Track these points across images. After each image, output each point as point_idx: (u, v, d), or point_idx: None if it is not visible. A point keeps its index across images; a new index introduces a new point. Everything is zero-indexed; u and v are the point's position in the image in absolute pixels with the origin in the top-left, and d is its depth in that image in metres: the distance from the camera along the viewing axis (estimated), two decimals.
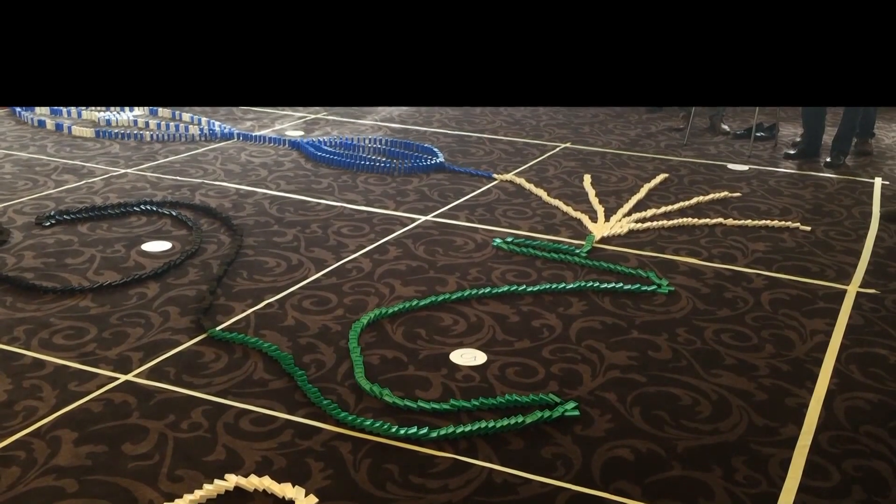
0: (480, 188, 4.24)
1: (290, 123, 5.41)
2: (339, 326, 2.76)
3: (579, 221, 3.81)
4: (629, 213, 3.93)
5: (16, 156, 4.48)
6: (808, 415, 2.37)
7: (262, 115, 5.63)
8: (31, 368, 2.44)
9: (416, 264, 3.28)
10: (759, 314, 2.96)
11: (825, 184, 4.53)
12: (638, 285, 3.13)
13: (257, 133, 5.09)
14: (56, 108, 5.41)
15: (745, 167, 4.79)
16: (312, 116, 5.63)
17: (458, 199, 4.06)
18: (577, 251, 3.43)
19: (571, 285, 3.10)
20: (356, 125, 5.44)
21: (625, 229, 3.70)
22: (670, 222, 3.80)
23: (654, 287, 3.12)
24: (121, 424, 2.20)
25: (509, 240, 3.52)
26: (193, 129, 5.04)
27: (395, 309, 2.87)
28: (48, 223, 3.52)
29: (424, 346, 2.66)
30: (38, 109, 5.40)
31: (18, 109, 5.35)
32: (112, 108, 5.49)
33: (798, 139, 5.18)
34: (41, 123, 5.10)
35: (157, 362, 2.50)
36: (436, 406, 2.31)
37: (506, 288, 3.05)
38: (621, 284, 3.12)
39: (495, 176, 4.42)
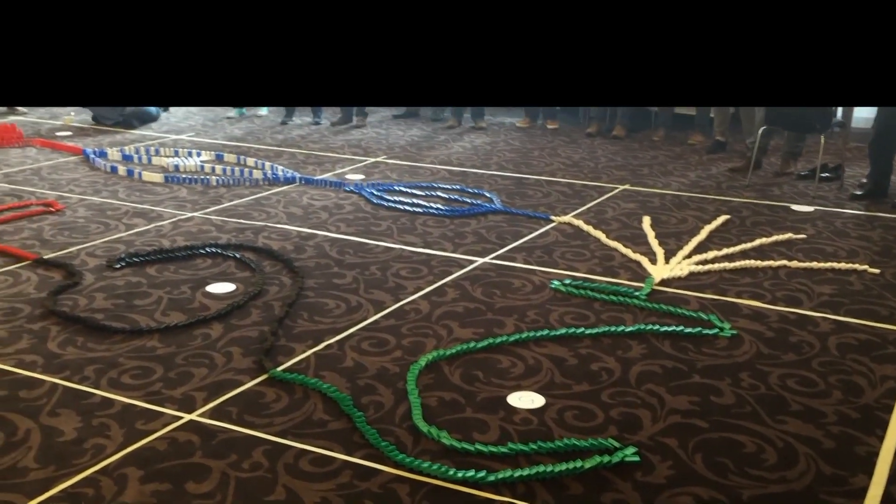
0: (538, 230, 4.24)
1: (350, 167, 5.52)
2: (398, 368, 2.78)
3: (638, 263, 3.78)
4: (689, 255, 3.89)
5: (89, 200, 4.66)
6: (879, 464, 2.29)
7: (324, 158, 5.75)
8: (100, 407, 2.52)
9: (474, 306, 3.29)
10: (826, 359, 2.88)
11: (894, 225, 4.41)
12: (699, 328, 3.08)
13: (319, 177, 5.20)
14: (127, 154, 5.62)
15: (811, 208, 4.70)
16: (372, 160, 5.73)
17: (516, 241, 4.08)
18: (637, 293, 3.39)
19: (631, 328, 3.07)
20: (414, 168, 5.52)
21: (685, 271, 3.66)
22: (732, 264, 3.74)
23: (715, 330, 3.07)
24: (185, 463, 2.24)
25: (567, 282, 3.51)
26: (257, 174, 5.18)
27: (453, 351, 2.88)
28: (118, 265, 3.64)
29: (482, 388, 2.66)
30: (110, 155, 5.61)
31: (92, 156, 5.57)
32: (180, 154, 5.68)
33: (865, 179, 5.07)
34: (113, 169, 5.30)
35: (220, 402, 2.55)
36: (493, 449, 2.30)
37: (564, 330, 3.04)
38: (682, 327, 3.08)
39: (553, 218, 4.42)
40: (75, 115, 7.11)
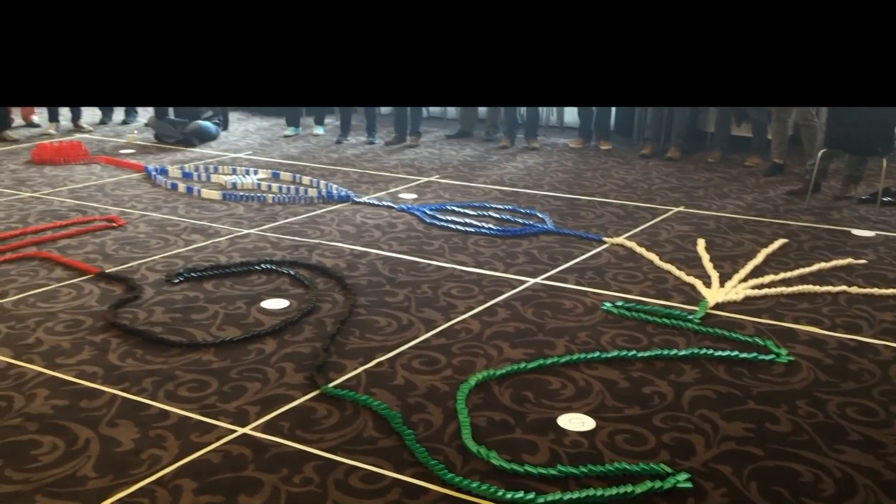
0: (590, 251, 4.22)
1: (403, 186, 5.57)
2: (448, 387, 2.78)
3: (692, 287, 3.73)
4: (745, 279, 3.82)
5: (150, 216, 4.78)
6: None
7: (377, 177, 5.81)
8: (156, 418, 2.57)
9: (525, 327, 3.28)
10: (887, 388, 2.80)
11: None
12: (755, 354, 3.02)
13: (372, 196, 5.26)
14: (187, 171, 5.76)
15: (872, 233, 4.59)
16: (425, 179, 5.77)
17: (568, 262, 4.06)
18: (691, 317, 3.35)
19: (684, 352, 3.03)
20: (467, 188, 5.54)
21: (741, 296, 3.60)
22: (790, 289, 3.67)
23: (772, 356, 3.01)
24: (238, 476, 2.28)
25: (619, 304, 3.48)
26: (312, 192, 5.26)
27: (503, 371, 2.87)
28: (177, 280, 3.72)
29: (532, 409, 2.65)
30: (171, 173, 5.76)
31: (154, 173, 5.72)
32: (238, 172, 5.80)
33: None
34: (174, 186, 5.44)
35: (273, 416, 2.59)
36: (543, 471, 2.29)
37: (615, 353, 3.01)
38: (737, 352, 3.03)
39: (605, 239, 4.40)
40: (138, 134, 7.32)
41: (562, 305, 3.50)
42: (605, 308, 3.45)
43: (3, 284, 3.66)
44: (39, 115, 7.83)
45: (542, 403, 2.68)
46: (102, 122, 7.91)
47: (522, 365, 2.91)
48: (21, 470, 2.29)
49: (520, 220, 4.74)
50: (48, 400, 2.67)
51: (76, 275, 3.81)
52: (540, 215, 4.83)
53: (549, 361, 2.95)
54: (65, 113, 7.66)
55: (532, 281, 3.79)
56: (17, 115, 7.60)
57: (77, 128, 7.51)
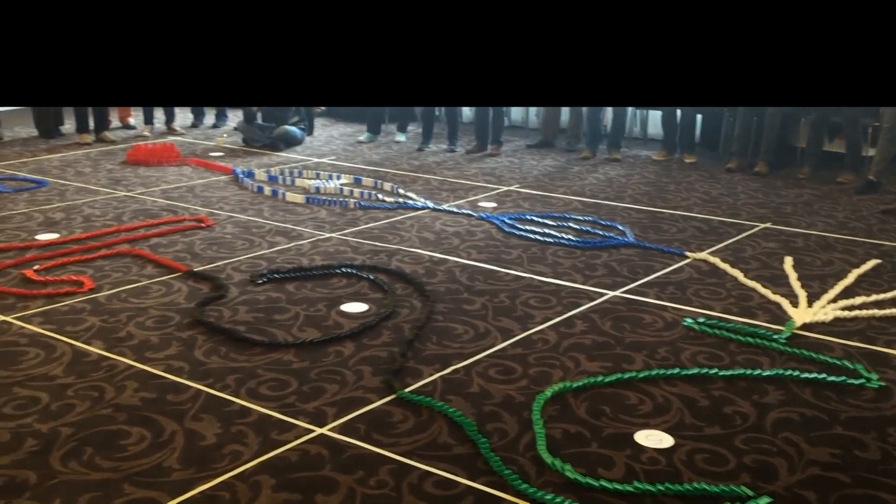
0: (672, 266, 4.15)
1: (483, 195, 5.58)
2: (523, 397, 2.77)
3: (778, 306, 3.63)
4: (835, 300, 3.69)
5: (237, 218, 4.92)
6: None
7: (457, 185, 5.84)
8: (238, 415, 2.64)
9: (603, 340, 3.24)
10: None
11: None
12: (843, 377, 2.92)
13: (451, 204, 5.29)
14: (273, 175, 5.90)
15: None
16: (505, 189, 5.78)
17: (648, 275, 4.00)
18: (776, 337, 3.25)
19: (768, 372, 2.95)
20: (547, 198, 5.52)
21: (829, 316, 3.48)
22: (883, 312, 3.52)
23: (861, 380, 2.90)
24: (314, 476, 2.32)
25: (701, 320, 3.41)
26: (391, 198, 5.32)
27: (580, 383, 2.85)
28: (261, 281, 3.82)
29: (608, 423, 2.62)
30: (257, 176, 5.92)
31: (241, 176, 5.89)
32: (321, 177, 5.92)
33: None
34: (259, 189, 5.58)
35: (350, 418, 2.63)
36: (618, 486, 2.26)
37: (696, 370, 2.95)
38: (824, 375, 2.93)
39: (688, 254, 4.31)
40: (227, 137, 7.54)
41: (641, 319, 3.45)
42: (686, 324, 3.39)
43: (98, 279, 3.82)
44: (135, 117, 8.15)
45: (618, 418, 2.65)
46: (194, 126, 8.18)
47: (599, 378, 2.88)
48: (110, 458, 2.38)
49: (600, 232, 4.69)
50: (137, 392, 2.77)
51: (166, 272, 3.94)
52: (620, 227, 4.77)
53: (626, 376, 2.91)
54: (159, 116, 7.95)
55: (611, 294, 3.75)
56: (114, 116, 7.93)
57: (170, 130, 7.79)
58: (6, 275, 3.87)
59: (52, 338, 3.18)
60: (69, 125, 7.63)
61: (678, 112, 6.90)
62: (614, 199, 5.51)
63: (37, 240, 4.42)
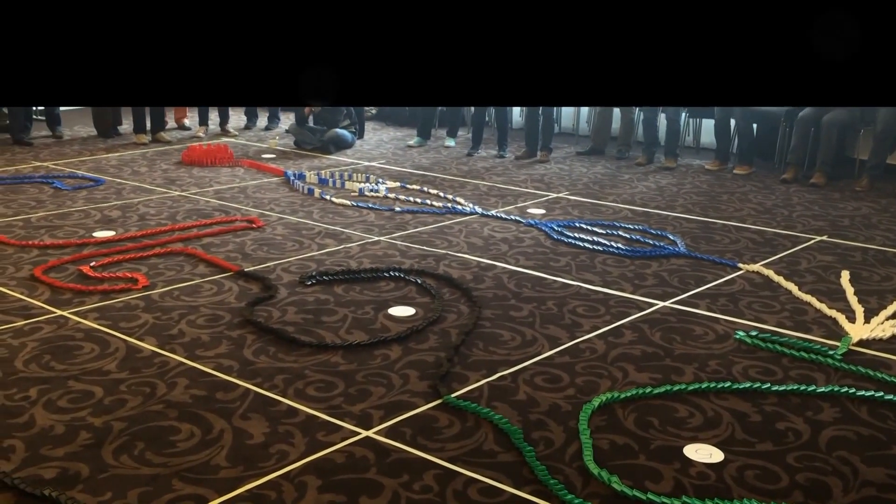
0: (724, 277, 4.08)
1: (532, 202, 5.56)
2: (570, 406, 2.75)
3: (834, 321, 3.54)
4: (893, 316, 3.59)
5: (287, 219, 4.98)
6: None
7: (506, 191, 5.83)
8: (286, 415, 2.66)
9: (652, 350, 3.20)
10: None
11: None
12: None
13: (500, 210, 5.28)
14: (323, 178, 5.96)
15: None
16: (554, 195, 5.74)
17: (699, 286, 3.94)
18: (831, 353, 3.18)
19: (822, 389, 2.88)
20: (596, 206, 5.47)
21: (888, 333, 3.38)
22: None
23: None
24: (360, 478, 2.33)
25: (753, 333, 3.34)
26: (440, 203, 5.33)
27: (628, 394, 2.81)
28: (309, 282, 3.85)
29: (657, 435, 2.58)
30: (308, 178, 5.98)
31: (292, 178, 5.95)
32: (370, 180, 5.95)
33: None
34: (310, 191, 5.64)
35: (396, 422, 2.63)
36: (666, 500, 2.22)
37: (748, 384, 2.89)
38: (882, 393, 2.85)
39: (741, 265, 4.23)
40: (279, 139, 7.63)
41: (691, 331, 3.40)
42: (737, 337, 3.32)
43: (152, 277, 3.89)
44: (190, 118, 8.30)
45: (667, 431, 2.61)
46: (247, 128, 8.30)
47: (648, 389, 2.84)
48: (160, 454, 2.42)
49: (650, 241, 4.63)
50: (187, 389, 2.81)
51: (217, 272, 4.00)
52: (671, 237, 4.70)
53: (676, 388, 2.86)
54: (213, 117, 8.08)
55: (661, 304, 3.70)
56: (170, 118, 8.09)
57: (224, 132, 7.92)
58: (64, 270, 3.96)
59: (107, 333, 3.25)
60: (126, 125, 7.80)
61: (732, 121, 6.80)
62: (665, 209, 5.44)
63: (94, 237, 4.52)
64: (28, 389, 2.78)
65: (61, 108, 7.82)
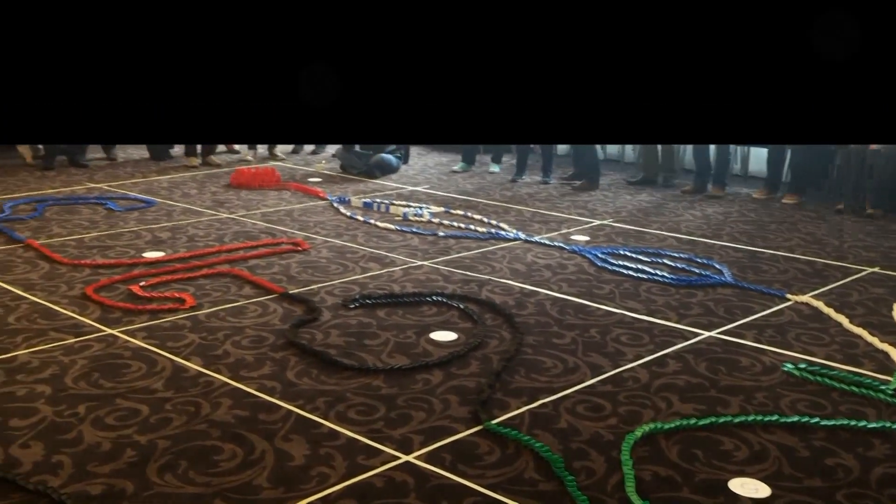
0: (771, 308, 4.00)
1: (575, 228, 5.54)
2: (612, 436, 2.72)
3: (886, 354, 3.45)
4: None
5: (332, 243, 5.03)
6: None
7: (550, 217, 5.81)
8: (327, 437, 2.68)
9: (697, 381, 3.15)
10: None
11: None
12: None
13: (543, 236, 5.27)
14: (368, 202, 6.01)
15: None
16: (598, 222, 5.71)
17: (746, 317, 3.87)
18: (883, 387, 3.09)
19: (874, 424, 2.80)
20: (641, 233, 5.43)
21: None
22: None
23: None
24: (399, 503, 2.32)
25: (802, 366, 3.27)
26: (484, 229, 5.34)
27: (672, 425, 2.77)
28: (353, 305, 3.88)
29: (701, 468, 2.53)
30: (353, 202, 6.04)
31: (337, 202, 6.02)
32: (412, 205, 5.99)
33: None
34: (355, 215, 5.69)
35: (436, 447, 2.63)
36: None
37: (796, 418, 2.83)
38: None
39: (789, 296, 4.16)
40: (325, 163, 7.73)
41: (738, 362, 3.34)
42: (785, 369, 3.26)
43: (199, 297, 3.96)
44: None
45: (712, 464, 2.56)
46: (294, 151, 8.42)
47: (693, 421, 2.80)
48: (203, 473, 2.45)
49: (696, 270, 4.58)
50: (231, 409, 2.85)
51: (263, 293, 4.05)
52: (718, 266, 4.64)
53: (721, 420, 2.81)
54: None
55: (706, 334, 3.65)
56: None
57: (272, 155, 8.05)
58: (114, 290, 4.05)
59: (154, 352, 3.31)
60: (178, 148, 7.97)
61: (788, 150, 6.70)
62: (711, 237, 5.37)
63: (144, 257, 4.62)
64: (77, 406, 2.84)
65: None
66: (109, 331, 3.52)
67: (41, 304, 3.82)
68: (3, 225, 5.20)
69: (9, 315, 3.67)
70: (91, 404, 2.85)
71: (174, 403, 2.88)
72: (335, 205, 6.01)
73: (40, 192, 6.27)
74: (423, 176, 7.35)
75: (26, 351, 3.29)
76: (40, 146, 7.42)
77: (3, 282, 4.12)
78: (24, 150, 7.47)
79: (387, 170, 7.33)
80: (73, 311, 3.73)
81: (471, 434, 2.72)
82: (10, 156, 7.47)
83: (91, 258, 4.56)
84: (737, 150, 7.54)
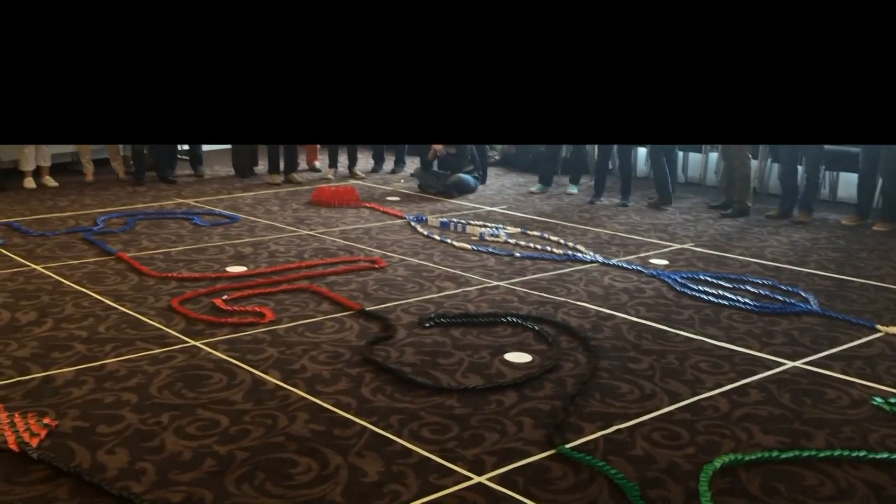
0: (860, 339, 3.85)
1: (654, 252, 5.45)
2: (690, 466, 2.65)
3: None
4: None
5: (408, 261, 5.07)
6: None
7: (628, 241, 5.74)
8: (400, 455, 2.69)
9: (779, 412, 3.05)
10: None
11: None
12: None
13: (621, 259, 5.20)
14: (445, 221, 6.05)
15: None
16: (678, 247, 5.61)
17: (833, 347, 3.73)
18: None
19: None
20: (722, 258, 5.30)
21: None
22: None
23: None
24: None
25: (893, 401, 3.14)
26: (561, 250, 5.31)
27: (753, 457, 2.69)
28: (428, 324, 3.90)
29: (783, 503, 2.45)
30: (430, 222, 6.08)
31: (414, 221, 6.08)
32: (489, 225, 6.00)
33: None
34: (431, 235, 5.74)
35: (508, 469, 2.61)
36: None
37: (886, 454, 2.71)
38: None
39: (879, 327, 3.99)
40: (404, 183, 7.82)
41: (823, 394, 3.22)
42: (875, 403, 3.13)
43: (279, 312, 4.04)
44: (321, 160, 8.64)
45: (795, 499, 2.47)
46: (374, 171, 8.55)
47: (775, 453, 2.71)
48: (279, 485, 2.49)
49: (780, 298, 4.44)
50: (307, 423, 2.89)
51: (340, 309, 4.11)
52: (803, 294, 4.50)
53: (805, 453, 2.71)
54: (342, 160, 8.38)
55: (790, 364, 3.53)
56: (302, 159, 8.44)
57: (352, 174, 8.19)
58: (198, 302, 4.17)
59: (235, 365, 3.39)
60: (262, 166, 8.19)
61: (879, 175, 6.46)
62: (797, 264, 5.21)
63: (227, 271, 4.75)
64: (161, 415, 2.93)
65: (204, 149, 8.30)
66: (193, 342, 3.63)
67: (130, 314, 3.97)
68: (96, 238, 5.43)
69: (99, 324, 3.82)
70: (174, 413, 2.94)
71: (253, 415, 2.94)
72: (412, 224, 6.07)
73: (131, 206, 6.52)
74: (500, 196, 7.36)
75: (115, 360, 3.42)
76: (132, 162, 7.74)
77: (94, 292, 4.30)
78: (117, 165, 7.80)
79: (464, 189, 7.36)
80: (160, 323, 3.86)
81: (544, 458, 2.69)
82: (105, 171, 7.81)
83: (177, 271, 4.71)
84: (825, 175, 7.31)
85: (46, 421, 2.82)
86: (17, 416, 2.85)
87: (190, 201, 6.80)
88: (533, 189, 7.60)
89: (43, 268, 4.73)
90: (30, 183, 7.20)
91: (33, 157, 7.23)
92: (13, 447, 2.64)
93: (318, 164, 8.62)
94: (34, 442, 2.67)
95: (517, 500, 2.44)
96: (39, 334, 3.67)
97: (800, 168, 6.80)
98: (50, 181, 7.31)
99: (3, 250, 5.08)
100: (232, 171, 8.16)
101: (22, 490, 2.43)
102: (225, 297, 4.23)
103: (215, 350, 3.54)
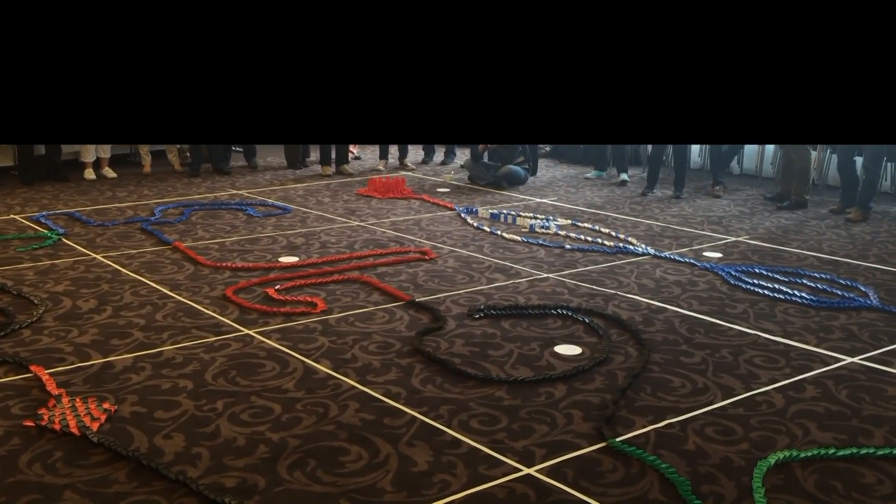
0: None
1: (708, 244, 5.37)
2: (743, 461, 2.61)
3: None
4: None
5: (458, 253, 5.08)
6: None
7: (681, 233, 5.66)
8: (449, 445, 2.71)
9: (837, 409, 2.99)
10: None
11: None
12: None
13: (674, 252, 5.13)
14: (495, 213, 6.04)
15: None
16: (732, 239, 5.52)
17: (893, 343, 3.64)
18: None
19: None
20: (778, 251, 5.20)
21: None
22: None
23: None
24: None
25: None
26: (612, 242, 5.26)
27: (809, 454, 2.63)
28: (478, 315, 3.90)
29: (840, 501, 2.40)
30: (480, 213, 6.08)
31: (464, 213, 6.08)
32: (539, 217, 5.97)
33: None
34: (481, 226, 5.73)
35: (558, 462, 2.61)
36: None
37: None
38: None
39: None
40: (454, 174, 7.83)
41: (883, 391, 3.14)
42: None
43: (330, 302, 4.09)
44: (372, 151, 8.71)
45: (852, 497, 2.42)
46: (424, 162, 8.58)
47: (832, 450, 2.65)
48: (330, 473, 2.53)
49: (838, 292, 4.34)
50: (358, 412, 2.92)
51: (390, 300, 4.14)
52: (863, 288, 4.38)
53: (863, 451, 2.65)
54: (393, 151, 8.42)
55: (849, 360, 3.45)
56: (352, 150, 8.52)
57: (402, 166, 8.22)
58: (251, 292, 4.24)
59: (287, 353, 3.44)
60: (314, 157, 8.28)
61: None
62: (857, 258, 5.08)
63: (279, 261, 4.82)
64: (216, 402, 2.99)
65: None
66: (246, 331, 3.69)
67: (185, 303, 4.05)
68: (153, 227, 5.55)
69: (157, 312, 3.91)
70: (228, 400, 3.00)
71: (304, 404, 2.98)
72: (462, 215, 6.07)
73: (187, 197, 6.65)
74: (550, 188, 7.32)
75: (171, 347, 3.49)
76: (188, 154, 7.88)
77: (152, 281, 4.40)
78: (174, 157, 7.96)
79: (515, 181, 7.34)
80: (214, 311, 3.94)
81: (594, 450, 2.68)
82: (161, 163, 7.97)
83: (231, 261, 4.79)
84: (886, 167, 7.10)
85: (106, 406, 2.91)
86: (78, 400, 2.94)
87: (243, 192, 6.91)
88: (589, 175, 7.67)
89: (103, 257, 4.86)
90: (90, 174, 7.39)
91: (94, 148, 7.42)
92: (74, 431, 2.72)
93: (355, 151, 8.76)
94: (94, 426, 2.75)
95: (567, 492, 2.43)
96: (99, 321, 3.77)
97: (858, 159, 6.60)
98: (109, 172, 7.50)
99: (64, 240, 5.23)
100: (284, 163, 8.26)
101: (82, 472, 2.51)
102: (277, 287, 4.29)
103: (268, 339, 3.60)
